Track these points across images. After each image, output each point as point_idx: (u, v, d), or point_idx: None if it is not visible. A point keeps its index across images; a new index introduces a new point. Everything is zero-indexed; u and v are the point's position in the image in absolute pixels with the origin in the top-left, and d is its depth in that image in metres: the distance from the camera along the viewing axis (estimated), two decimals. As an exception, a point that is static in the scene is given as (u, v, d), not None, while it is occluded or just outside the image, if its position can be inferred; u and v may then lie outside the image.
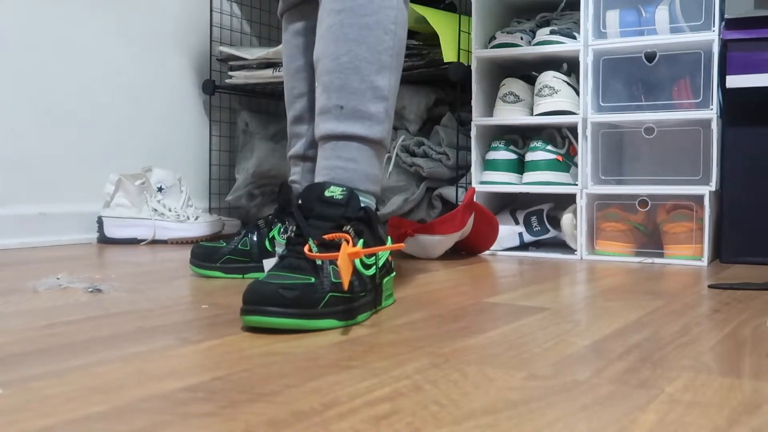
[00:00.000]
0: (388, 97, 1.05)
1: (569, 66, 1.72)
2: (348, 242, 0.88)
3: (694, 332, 0.85)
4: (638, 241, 1.65)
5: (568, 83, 1.69)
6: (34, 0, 1.83)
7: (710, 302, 1.07)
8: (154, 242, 1.90)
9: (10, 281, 1.20)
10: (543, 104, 1.69)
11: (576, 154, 1.71)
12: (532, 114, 1.75)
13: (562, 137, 1.75)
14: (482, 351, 0.75)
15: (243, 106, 2.38)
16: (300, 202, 0.96)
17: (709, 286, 1.21)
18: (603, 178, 1.72)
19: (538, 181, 1.69)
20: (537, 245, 1.80)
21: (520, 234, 1.73)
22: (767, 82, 1.52)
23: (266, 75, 2.10)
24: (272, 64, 2.10)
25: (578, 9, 1.74)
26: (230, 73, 2.17)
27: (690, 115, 1.58)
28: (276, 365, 0.68)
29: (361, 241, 0.91)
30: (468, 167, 1.86)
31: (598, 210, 1.66)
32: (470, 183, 1.79)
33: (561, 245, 1.77)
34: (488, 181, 1.75)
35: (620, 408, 0.57)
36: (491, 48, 1.76)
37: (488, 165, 1.75)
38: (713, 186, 1.57)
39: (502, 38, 1.74)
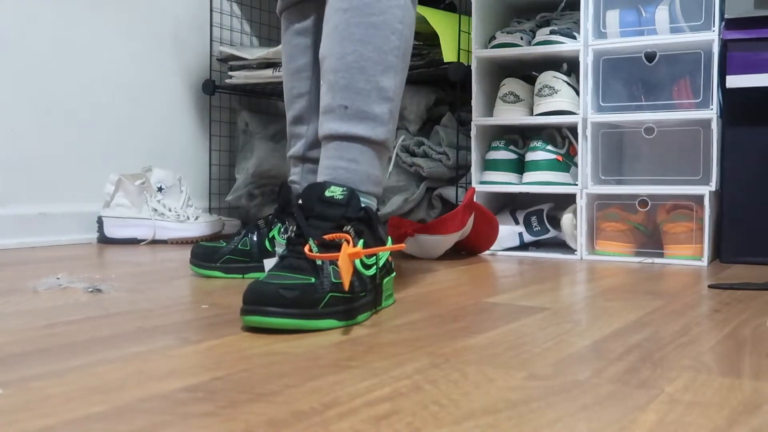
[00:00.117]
0: (393, 98, 1.04)
1: (569, 66, 1.72)
2: (348, 242, 0.88)
3: (694, 332, 0.85)
4: (638, 241, 1.65)
5: (568, 83, 1.69)
6: (34, 0, 1.83)
7: (710, 302, 1.07)
8: (154, 242, 1.90)
9: (10, 281, 1.20)
10: (543, 104, 1.69)
11: (576, 154, 1.71)
12: (532, 114, 1.75)
13: (562, 137, 1.75)
14: (482, 351, 0.75)
15: (243, 106, 2.38)
16: (301, 201, 0.96)
17: (709, 286, 1.21)
18: (603, 178, 1.72)
19: (538, 181, 1.69)
20: (537, 245, 1.80)
21: (520, 234, 1.73)
22: (767, 82, 1.52)
23: (266, 75, 2.10)
24: (272, 64, 2.10)
25: (578, 9, 1.74)
26: (230, 73, 2.17)
27: (690, 115, 1.58)
28: (276, 365, 0.68)
29: (362, 241, 0.91)
30: (468, 167, 1.86)
31: (598, 210, 1.66)
32: (470, 183, 1.79)
33: (561, 245, 1.77)
34: (488, 181, 1.75)
35: (620, 408, 0.57)
36: (491, 48, 1.76)
37: (488, 165, 1.75)
38: (713, 186, 1.57)
39: (502, 38, 1.74)
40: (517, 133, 1.82)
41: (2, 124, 1.77)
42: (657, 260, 1.59)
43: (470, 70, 1.77)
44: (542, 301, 1.05)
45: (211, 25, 2.25)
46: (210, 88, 2.20)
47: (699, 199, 1.56)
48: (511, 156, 1.74)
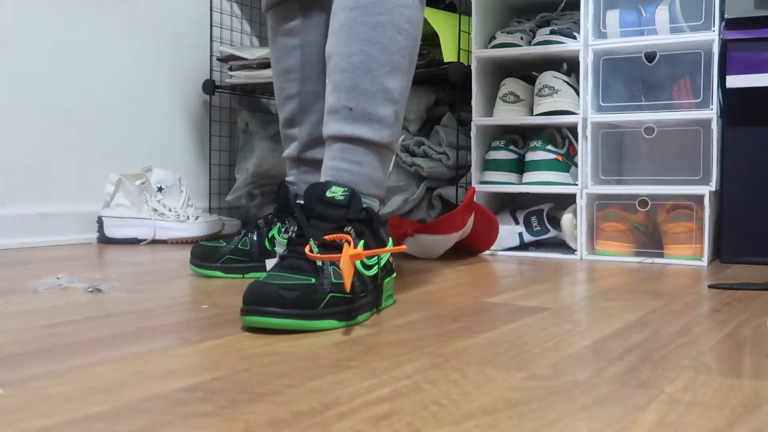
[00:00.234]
0: (399, 99, 1.03)
1: (569, 66, 1.72)
2: (349, 243, 0.87)
3: (694, 332, 0.85)
4: (638, 241, 1.65)
5: (568, 83, 1.69)
6: (34, 0, 1.83)
7: (710, 302, 1.07)
8: (154, 242, 1.90)
9: (10, 281, 1.20)
10: (543, 104, 1.69)
11: (576, 154, 1.71)
12: (532, 114, 1.75)
13: (562, 137, 1.75)
14: (482, 351, 0.75)
15: (243, 106, 2.38)
16: (302, 202, 0.95)
17: (709, 286, 1.21)
18: (603, 178, 1.72)
19: (538, 181, 1.69)
20: (537, 245, 1.80)
21: (520, 234, 1.73)
22: (767, 82, 1.52)
23: (266, 75, 2.10)
24: (272, 64, 2.10)
25: (578, 9, 1.74)
26: (230, 73, 2.17)
27: (690, 115, 1.58)
28: (276, 365, 0.68)
29: (362, 242, 0.91)
30: (468, 167, 1.86)
31: (598, 210, 1.66)
32: (470, 183, 1.79)
33: (561, 245, 1.77)
34: (488, 181, 1.75)
35: (620, 408, 0.57)
36: (491, 48, 1.76)
37: (488, 165, 1.75)
38: (713, 186, 1.57)
39: (502, 38, 1.74)
40: (517, 133, 1.82)
41: (2, 124, 1.77)
42: (657, 260, 1.59)
43: (470, 70, 1.77)
44: (542, 301, 1.05)
45: (211, 25, 2.25)
46: (210, 88, 2.20)
47: (699, 199, 1.56)
48: (511, 156, 1.74)
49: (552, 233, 1.72)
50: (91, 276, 1.26)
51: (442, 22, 1.80)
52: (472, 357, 0.72)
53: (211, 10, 2.26)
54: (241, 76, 2.15)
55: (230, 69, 2.19)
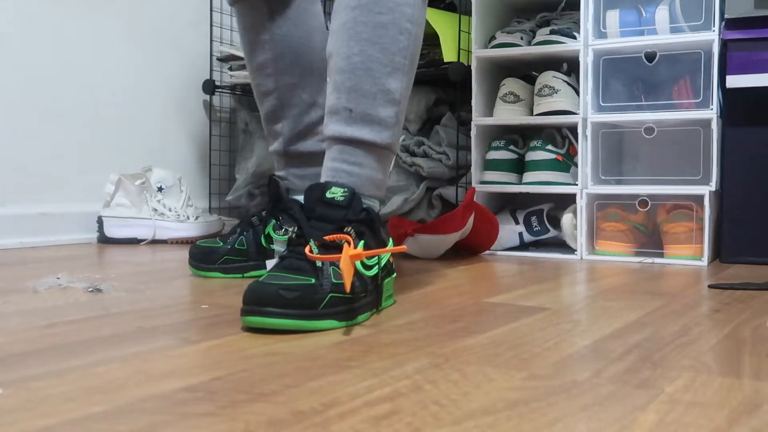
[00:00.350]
0: (400, 100, 1.02)
1: (569, 66, 1.72)
2: (349, 244, 0.87)
3: (694, 332, 0.85)
4: (638, 241, 1.65)
5: (568, 83, 1.69)
6: (34, 0, 1.82)
7: (710, 302, 1.07)
8: (154, 242, 1.90)
9: (10, 281, 1.20)
10: (543, 104, 1.69)
11: (576, 154, 1.71)
12: (532, 114, 1.75)
13: (562, 137, 1.75)
14: (482, 351, 0.75)
15: (243, 106, 2.38)
16: (296, 198, 0.95)
17: (709, 286, 1.21)
18: (603, 178, 1.72)
19: (538, 181, 1.69)
20: (537, 245, 1.80)
21: (520, 234, 1.73)
22: (767, 82, 1.52)
23: (266, 75, 2.10)
24: (272, 64, 2.10)
25: (578, 9, 1.74)
26: (230, 72, 2.17)
27: (690, 115, 1.58)
28: (276, 365, 0.68)
29: (362, 242, 0.91)
30: (468, 167, 1.86)
31: (598, 210, 1.66)
32: (470, 183, 1.79)
33: (561, 245, 1.77)
34: (488, 181, 1.75)
35: (620, 408, 0.57)
36: (491, 48, 1.76)
37: (488, 165, 1.75)
38: (713, 186, 1.57)
39: (502, 38, 1.74)
40: (517, 133, 1.82)
41: (2, 124, 1.77)
42: (657, 260, 1.59)
43: (470, 70, 1.77)
44: (542, 301, 1.05)
45: (211, 25, 2.25)
46: (210, 87, 2.20)
47: (699, 199, 1.56)
48: (511, 156, 1.74)
49: (552, 233, 1.72)
50: (91, 276, 1.26)
51: (442, 22, 1.80)
52: (472, 357, 0.72)
53: (211, 10, 2.26)
54: (241, 76, 2.15)
55: (230, 69, 2.19)
